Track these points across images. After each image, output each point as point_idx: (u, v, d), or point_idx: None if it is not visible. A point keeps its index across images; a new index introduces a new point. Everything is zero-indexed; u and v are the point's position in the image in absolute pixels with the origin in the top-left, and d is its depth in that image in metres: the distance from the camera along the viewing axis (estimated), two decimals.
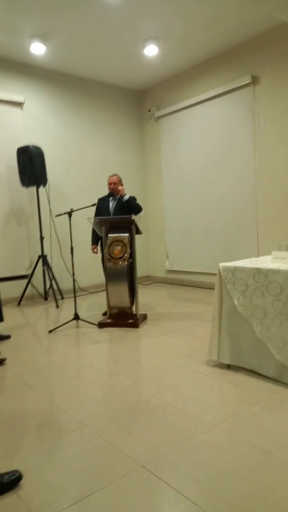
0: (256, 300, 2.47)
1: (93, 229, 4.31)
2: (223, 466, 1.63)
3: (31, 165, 4.94)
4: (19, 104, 5.33)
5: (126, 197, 4.19)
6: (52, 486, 1.56)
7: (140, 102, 6.59)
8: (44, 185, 5.19)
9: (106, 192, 4.39)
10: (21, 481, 1.58)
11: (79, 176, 5.90)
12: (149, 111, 6.37)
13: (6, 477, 1.55)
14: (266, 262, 2.67)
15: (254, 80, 4.85)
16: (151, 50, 5.01)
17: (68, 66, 5.49)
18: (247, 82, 4.88)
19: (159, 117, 6.23)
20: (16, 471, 1.59)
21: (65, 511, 1.42)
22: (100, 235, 4.07)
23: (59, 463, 1.72)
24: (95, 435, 1.92)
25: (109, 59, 5.28)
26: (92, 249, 4.41)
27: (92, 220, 3.99)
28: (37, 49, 4.84)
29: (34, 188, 5.24)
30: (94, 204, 4.30)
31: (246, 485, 1.51)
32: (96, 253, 4.40)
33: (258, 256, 3.69)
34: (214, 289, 2.73)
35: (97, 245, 4.39)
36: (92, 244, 4.41)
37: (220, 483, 1.53)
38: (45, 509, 1.44)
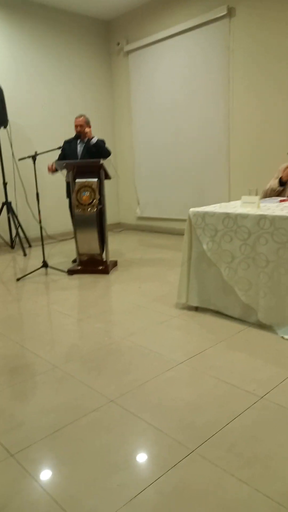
0: (224, 245, 2.50)
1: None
2: (190, 399, 1.74)
3: None
4: None
5: (94, 140, 3.98)
6: (26, 422, 1.62)
7: (108, 34, 6.05)
8: (5, 126, 4.81)
9: (73, 133, 4.13)
10: None
11: (43, 116, 5.50)
12: (118, 44, 5.88)
13: None
14: (235, 207, 2.68)
15: (230, 12, 4.52)
16: None
17: None
18: (222, 14, 4.55)
19: (128, 52, 5.77)
20: None
21: (40, 442, 1.49)
22: (66, 180, 3.90)
23: (32, 401, 1.77)
24: (66, 375, 1.97)
25: None
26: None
27: (60, 164, 3.79)
28: None
29: None
30: (60, 147, 4.06)
31: (211, 414, 1.63)
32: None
33: (229, 201, 3.69)
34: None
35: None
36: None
37: (187, 414, 1.63)
38: (21, 443, 1.49)
